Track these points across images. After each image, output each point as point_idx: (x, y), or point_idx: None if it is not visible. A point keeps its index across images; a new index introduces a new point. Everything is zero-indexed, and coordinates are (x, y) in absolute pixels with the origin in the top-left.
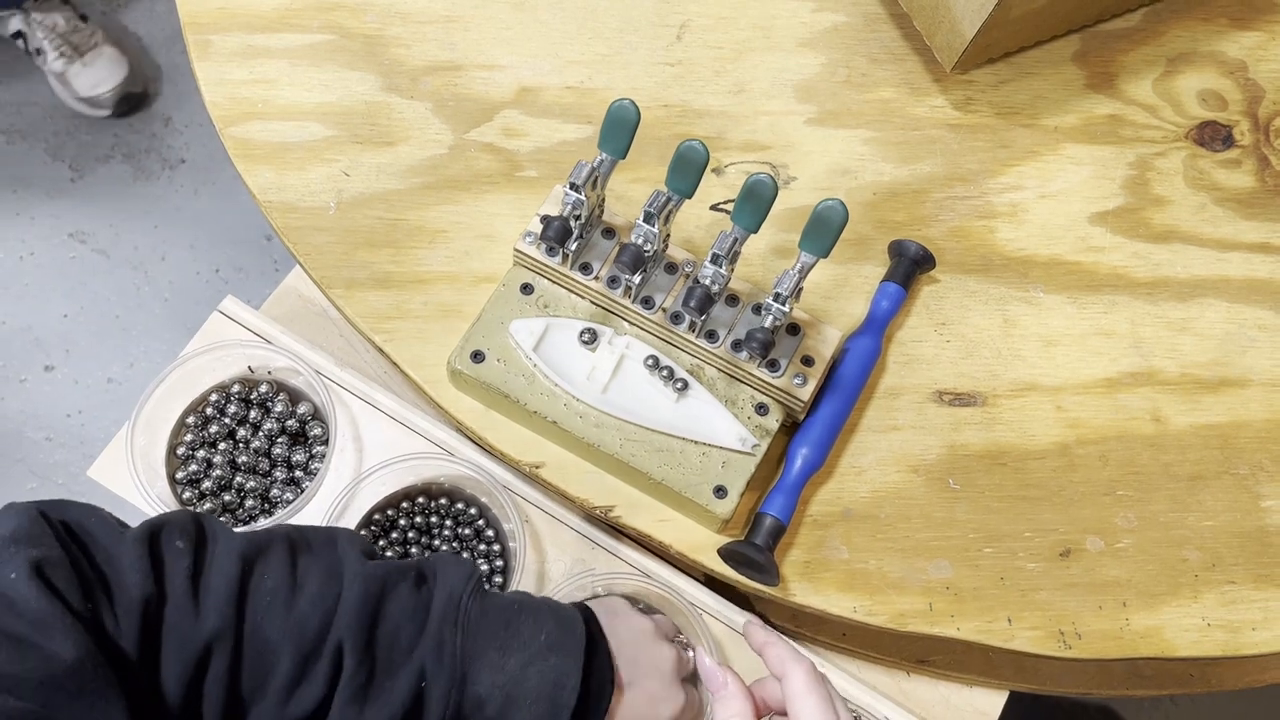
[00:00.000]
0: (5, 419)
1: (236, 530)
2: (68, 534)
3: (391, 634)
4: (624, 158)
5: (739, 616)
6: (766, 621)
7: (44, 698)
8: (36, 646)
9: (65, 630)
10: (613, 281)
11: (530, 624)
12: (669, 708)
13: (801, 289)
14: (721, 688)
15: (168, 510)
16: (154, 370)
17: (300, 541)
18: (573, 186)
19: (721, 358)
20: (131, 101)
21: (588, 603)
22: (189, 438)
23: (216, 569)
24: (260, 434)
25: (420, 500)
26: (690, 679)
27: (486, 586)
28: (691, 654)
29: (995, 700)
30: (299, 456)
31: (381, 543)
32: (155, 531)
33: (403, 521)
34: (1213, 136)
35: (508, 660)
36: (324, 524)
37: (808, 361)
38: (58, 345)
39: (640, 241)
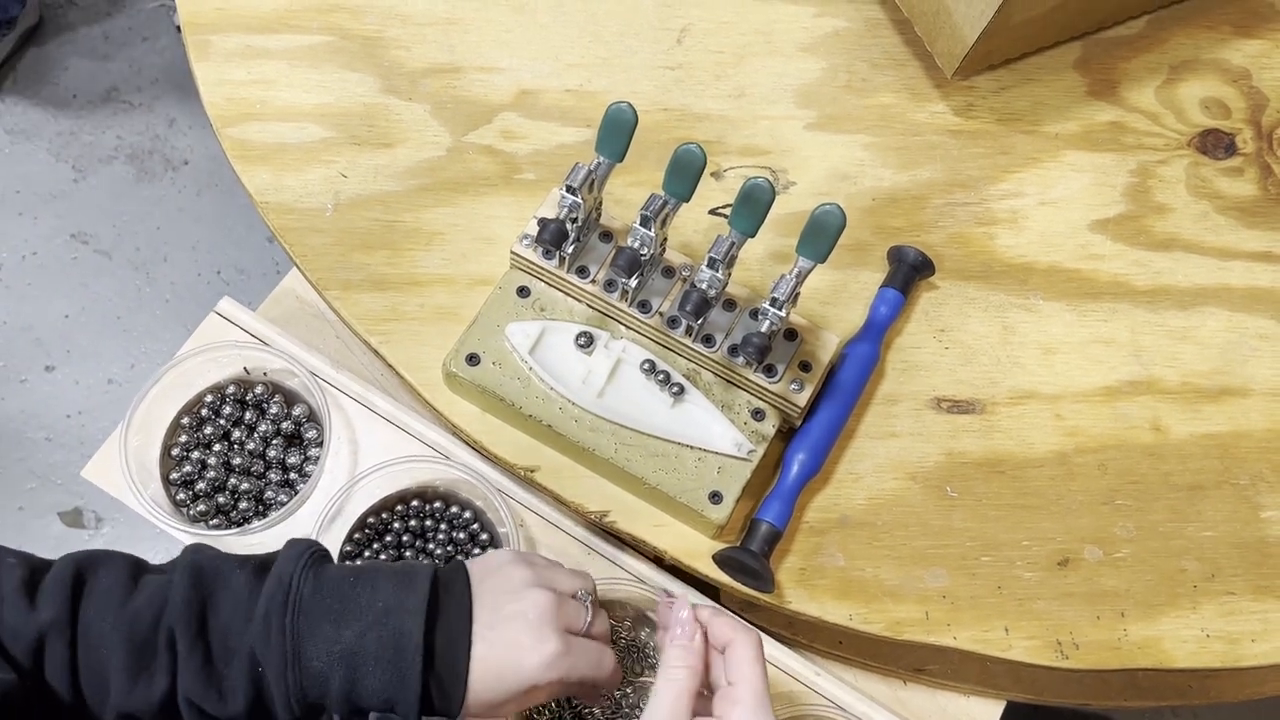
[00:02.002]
0: (6, 419)
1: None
2: None
3: (224, 622)
4: (621, 161)
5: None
6: (760, 628)
7: None
8: None
9: None
10: (609, 285)
11: (367, 591)
12: (534, 656)
13: (799, 294)
14: (688, 639)
15: (161, 510)
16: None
17: (143, 561)
18: (569, 190)
19: (718, 362)
20: None
21: (468, 559)
22: (184, 439)
23: (52, 574)
24: (255, 436)
25: (415, 503)
26: (590, 634)
27: (341, 562)
28: (588, 612)
29: (992, 710)
30: (294, 459)
31: (375, 545)
32: None
33: (397, 525)
34: (1215, 144)
35: (343, 631)
36: (318, 526)
37: (805, 367)
38: (59, 345)
39: (637, 245)
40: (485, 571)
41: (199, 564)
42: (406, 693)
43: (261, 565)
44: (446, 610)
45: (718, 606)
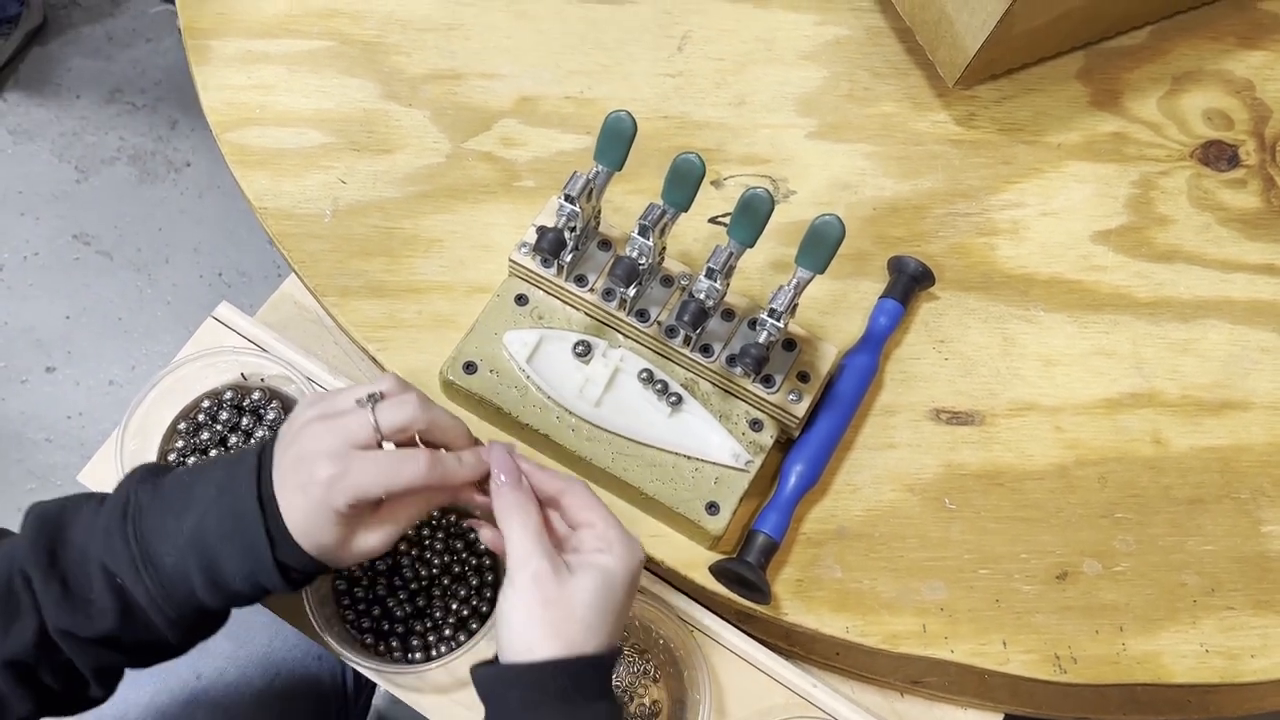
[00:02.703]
0: (6, 419)
1: None
2: None
3: (74, 551)
4: (620, 169)
5: (729, 633)
6: (757, 639)
7: None
8: None
9: None
10: (608, 294)
11: (201, 484)
12: (315, 490)
13: (798, 304)
14: (516, 478)
15: None
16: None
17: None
18: (568, 198)
19: (716, 372)
20: None
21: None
22: (180, 444)
23: None
24: (252, 442)
25: None
26: (386, 441)
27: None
28: (370, 418)
29: None
30: None
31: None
32: None
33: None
34: (1218, 156)
35: (184, 522)
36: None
37: (803, 377)
38: (59, 346)
39: (635, 254)
40: (284, 428)
41: (43, 510)
42: (261, 559)
43: (103, 497)
44: (266, 478)
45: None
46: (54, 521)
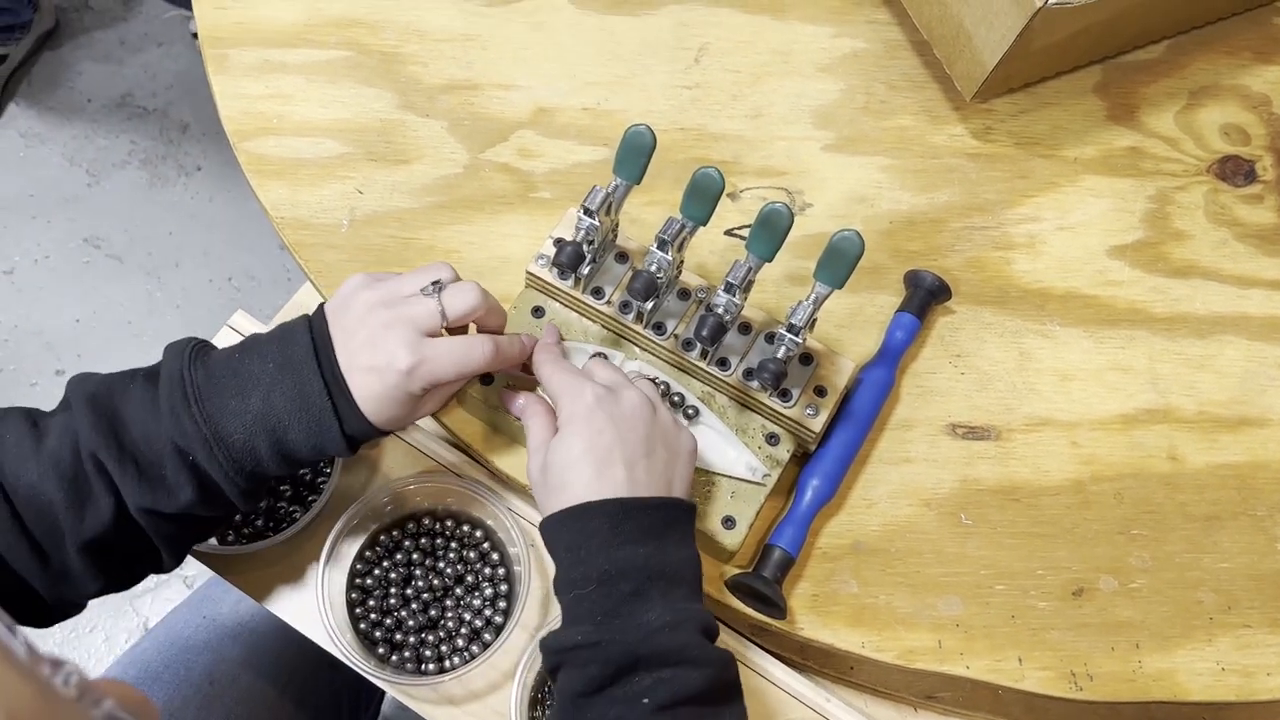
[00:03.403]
0: None
1: None
2: None
3: (139, 431)
4: (639, 183)
5: (744, 647)
6: (771, 653)
7: None
8: None
9: None
10: (625, 306)
11: (255, 360)
12: (391, 377)
13: (815, 319)
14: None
15: None
16: None
17: (33, 409)
18: (586, 211)
19: (733, 386)
20: None
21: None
22: None
23: None
24: None
25: (425, 521)
26: (452, 328)
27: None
28: (438, 304)
29: None
30: (305, 474)
31: (386, 563)
32: None
33: (408, 543)
34: (1234, 171)
35: (249, 401)
36: (329, 544)
37: (820, 392)
38: (69, 350)
39: (653, 268)
40: (339, 307)
41: (91, 392)
42: (328, 431)
43: (149, 374)
44: (326, 358)
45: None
46: (105, 401)
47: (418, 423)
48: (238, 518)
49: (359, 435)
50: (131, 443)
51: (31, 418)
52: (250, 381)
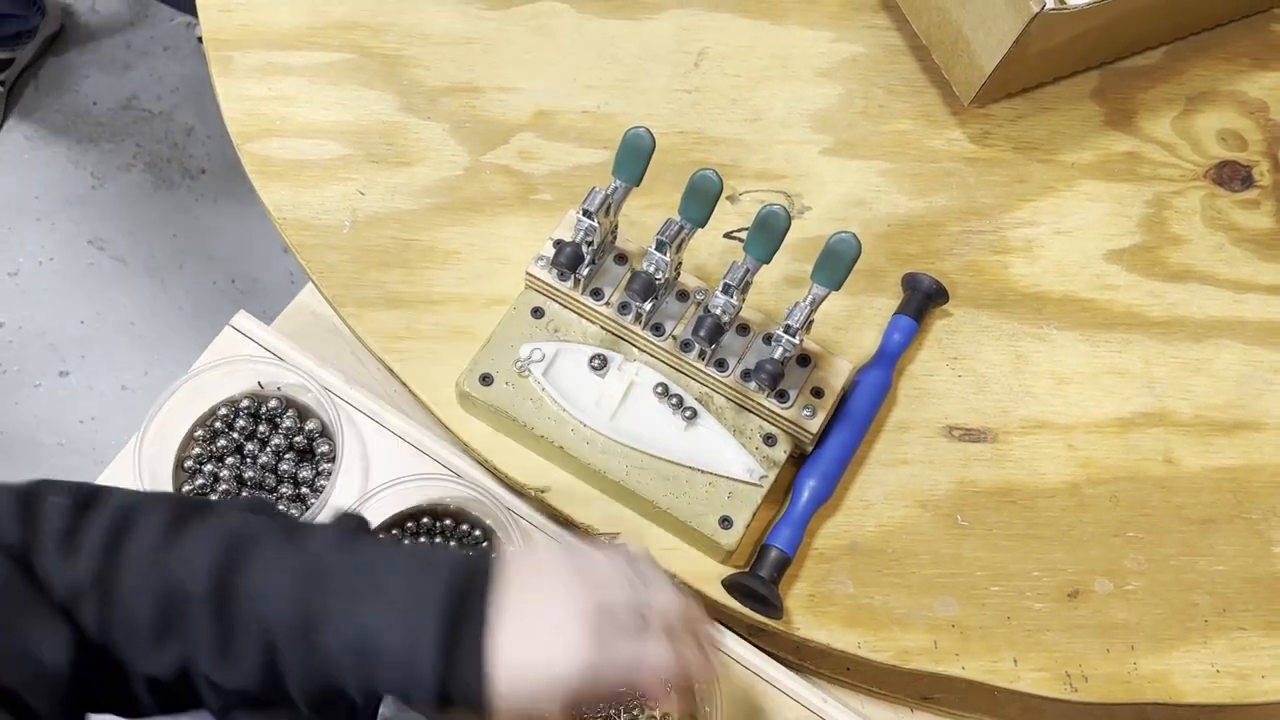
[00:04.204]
0: (19, 423)
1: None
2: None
3: (248, 590)
4: (638, 185)
5: (741, 647)
6: (768, 653)
7: None
8: None
9: None
10: (624, 308)
11: (392, 573)
12: (564, 662)
13: (813, 320)
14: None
15: None
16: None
17: (185, 503)
18: (586, 213)
19: (731, 387)
20: None
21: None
22: (197, 451)
23: (94, 520)
24: (268, 449)
25: (425, 521)
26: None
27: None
28: (642, 600)
29: None
30: (305, 473)
31: None
32: (38, 486)
33: (407, 542)
34: (1231, 176)
35: (361, 611)
36: None
37: (817, 393)
38: (73, 351)
39: (652, 269)
40: (522, 562)
41: (236, 529)
42: (421, 689)
43: (297, 528)
44: (468, 609)
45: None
46: (242, 550)
47: (418, 421)
48: None
49: (460, 695)
50: (233, 605)
51: (177, 516)
52: (374, 594)
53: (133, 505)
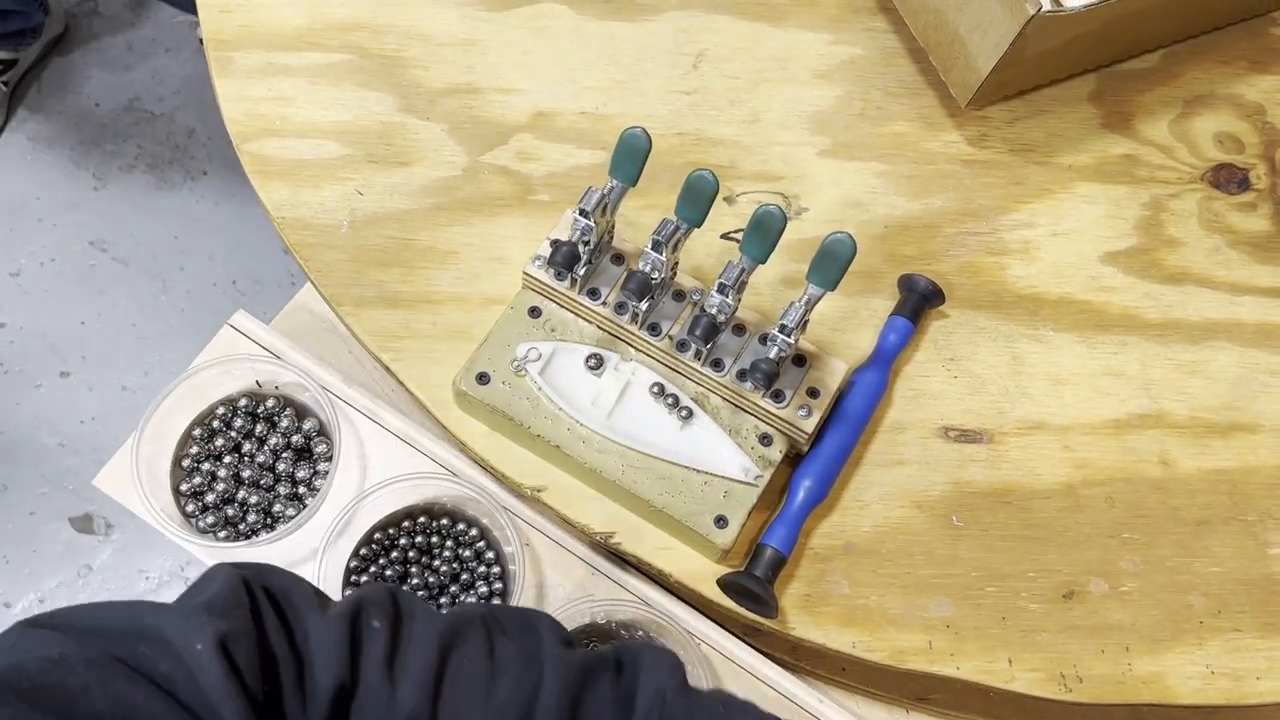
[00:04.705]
0: (20, 423)
1: (430, 609)
2: (270, 603)
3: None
4: (635, 185)
5: (736, 647)
6: (763, 653)
7: None
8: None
9: (235, 708)
10: (620, 307)
11: None
12: None
13: (808, 321)
14: None
15: (170, 520)
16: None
17: (497, 625)
18: (582, 213)
19: (727, 387)
20: None
21: None
22: (194, 450)
23: (413, 652)
24: (265, 449)
25: (422, 520)
26: None
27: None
28: None
29: None
30: (303, 472)
31: (381, 561)
32: (356, 611)
33: (403, 541)
34: (1228, 179)
35: None
36: (325, 541)
37: (813, 393)
38: (74, 352)
39: (648, 269)
40: None
41: (569, 662)
42: None
43: (618, 664)
44: None
45: None
46: (578, 686)
47: (415, 420)
48: (229, 511)
49: None
50: None
51: (490, 633)
52: None
53: (451, 627)
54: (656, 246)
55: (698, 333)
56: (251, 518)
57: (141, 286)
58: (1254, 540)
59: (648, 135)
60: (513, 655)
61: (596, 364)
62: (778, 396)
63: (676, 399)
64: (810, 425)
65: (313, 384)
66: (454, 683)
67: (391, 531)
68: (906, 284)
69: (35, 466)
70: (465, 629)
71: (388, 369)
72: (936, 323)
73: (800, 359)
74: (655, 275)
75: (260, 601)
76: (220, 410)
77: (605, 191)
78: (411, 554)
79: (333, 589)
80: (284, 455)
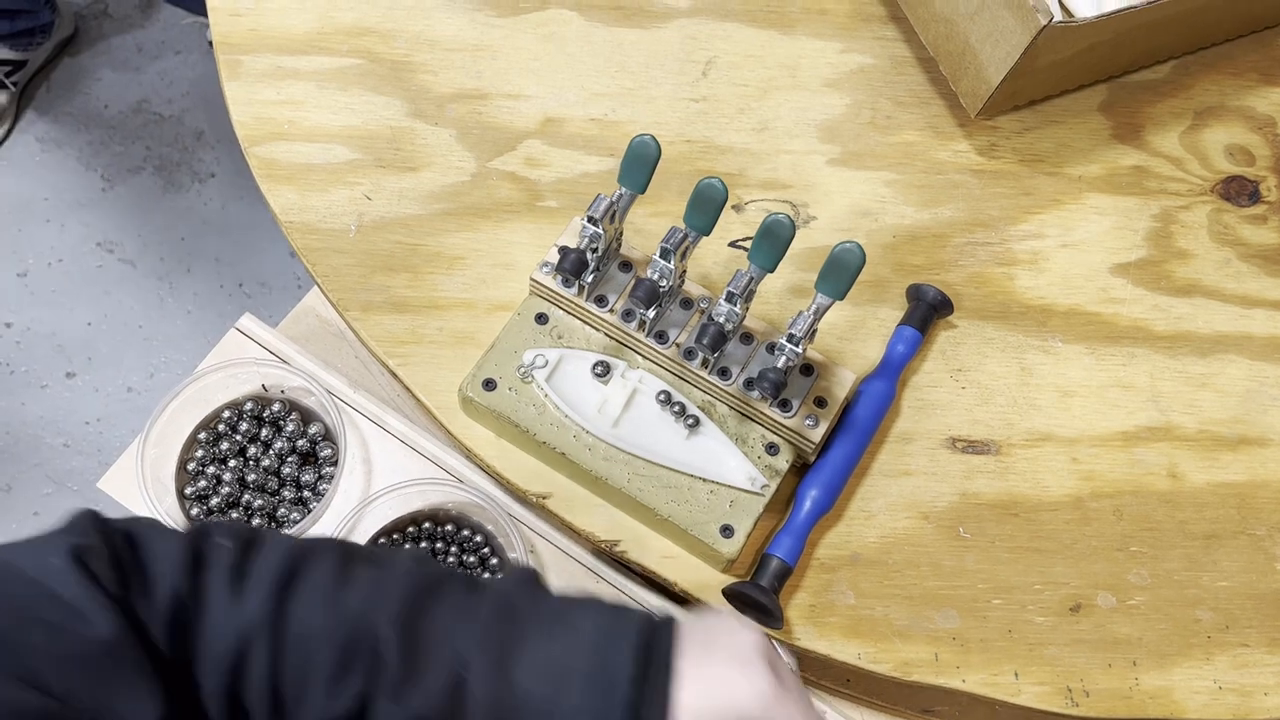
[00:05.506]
0: (25, 424)
1: (286, 536)
2: (117, 532)
3: (435, 627)
4: (643, 193)
5: None
6: None
7: (72, 681)
8: (70, 629)
9: (100, 611)
10: (627, 315)
11: (584, 614)
12: (747, 688)
13: (816, 330)
14: None
15: (176, 524)
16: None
17: (355, 548)
18: (590, 220)
19: (734, 395)
20: None
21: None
22: (200, 453)
23: (262, 562)
24: (270, 453)
25: (427, 525)
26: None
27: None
28: (791, 660)
29: None
30: (308, 476)
31: None
32: (203, 530)
33: (408, 546)
34: (1239, 191)
35: (554, 646)
36: None
37: (820, 403)
38: (80, 352)
39: (656, 277)
40: (696, 621)
41: (421, 573)
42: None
43: (475, 580)
44: (657, 639)
45: None
46: (425, 592)
47: (420, 426)
48: (234, 515)
49: None
50: (421, 633)
51: (346, 555)
52: (568, 631)
53: (301, 547)
54: (665, 254)
55: (705, 341)
56: (256, 521)
57: (148, 288)
58: (1263, 555)
59: (657, 143)
60: (364, 571)
61: (603, 371)
62: (785, 406)
63: (683, 407)
64: (817, 435)
65: (318, 388)
66: (299, 592)
67: (396, 537)
68: (915, 294)
69: (40, 467)
70: (318, 547)
71: (394, 374)
72: (945, 333)
73: (808, 368)
74: (663, 283)
75: (112, 529)
76: (226, 414)
77: (614, 199)
78: None
79: None
80: (289, 459)
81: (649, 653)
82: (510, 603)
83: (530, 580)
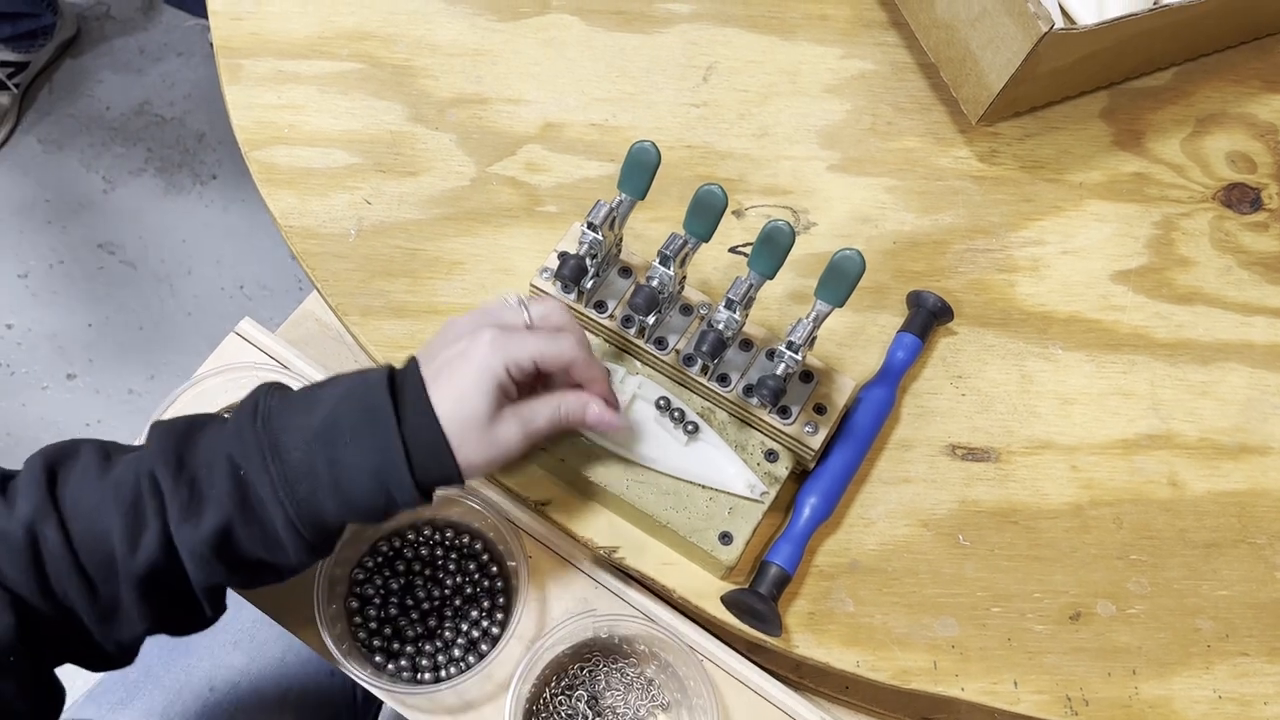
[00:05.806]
0: (25, 425)
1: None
2: None
3: (202, 449)
4: (643, 198)
5: (739, 664)
6: (767, 670)
7: None
8: None
9: None
10: (627, 321)
11: (330, 386)
12: (474, 351)
13: (816, 336)
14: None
15: None
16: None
17: (111, 443)
18: (590, 226)
19: (733, 402)
20: None
21: None
22: None
23: (24, 471)
24: None
25: (426, 532)
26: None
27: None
28: (524, 310)
29: None
30: None
31: (387, 573)
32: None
33: (408, 553)
34: (1240, 198)
35: (313, 417)
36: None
37: (820, 410)
38: (81, 354)
39: (656, 283)
40: (429, 344)
41: (169, 424)
42: (392, 456)
43: (232, 410)
44: (402, 381)
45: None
46: (182, 431)
47: None
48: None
49: (429, 458)
50: (193, 464)
51: (105, 450)
52: (319, 401)
53: (57, 448)
54: (664, 261)
55: (705, 347)
56: None
57: (149, 290)
58: (1263, 564)
59: (657, 149)
60: (123, 451)
61: None
62: (784, 412)
63: (682, 413)
64: (816, 442)
65: None
66: (67, 479)
67: (396, 543)
68: (915, 300)
69: None
70: (76, 445)
71: None
72: (945, 340)
73: (807, 375)
74: (663, 289)
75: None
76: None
77: (614, 205)
78: (416, 566)
79: (338, 600)
80: None
81: (398, 388)
82: (264, 405)
83: (274, 385)
